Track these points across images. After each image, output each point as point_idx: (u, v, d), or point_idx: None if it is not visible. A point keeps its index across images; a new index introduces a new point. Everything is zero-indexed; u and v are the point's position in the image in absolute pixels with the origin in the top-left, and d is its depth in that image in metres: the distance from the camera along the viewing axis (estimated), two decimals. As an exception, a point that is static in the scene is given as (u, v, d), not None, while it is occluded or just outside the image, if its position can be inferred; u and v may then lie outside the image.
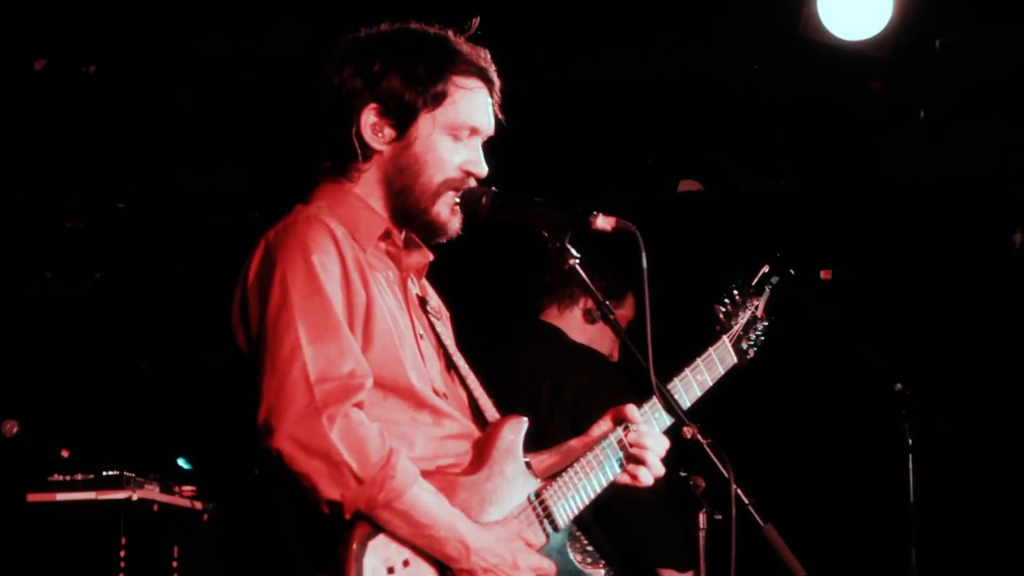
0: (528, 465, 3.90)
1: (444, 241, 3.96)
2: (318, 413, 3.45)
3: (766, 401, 8.23)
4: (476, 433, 3.90)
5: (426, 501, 3.55)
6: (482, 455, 3.81)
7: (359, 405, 3.55)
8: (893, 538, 7.49)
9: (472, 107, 3.89)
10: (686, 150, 8.26)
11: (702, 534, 3.88)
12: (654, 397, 4.05)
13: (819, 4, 6.68)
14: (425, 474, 3.62)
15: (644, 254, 3.74)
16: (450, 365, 4.02)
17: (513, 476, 3.83)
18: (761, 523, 3.77)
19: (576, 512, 3.92)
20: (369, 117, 3.83)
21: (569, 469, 3.95)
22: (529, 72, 7.21)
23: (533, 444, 4.07)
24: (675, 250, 7.91)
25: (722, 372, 4.31)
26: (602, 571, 4.03)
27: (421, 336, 3.92)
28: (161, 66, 7.53)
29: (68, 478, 7.92)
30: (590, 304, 6.31)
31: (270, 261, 3.65)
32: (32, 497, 7.95)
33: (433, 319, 4.03)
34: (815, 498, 8.37)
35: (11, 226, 9.36)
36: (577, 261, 3.83)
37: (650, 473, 4.02)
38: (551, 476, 3.93)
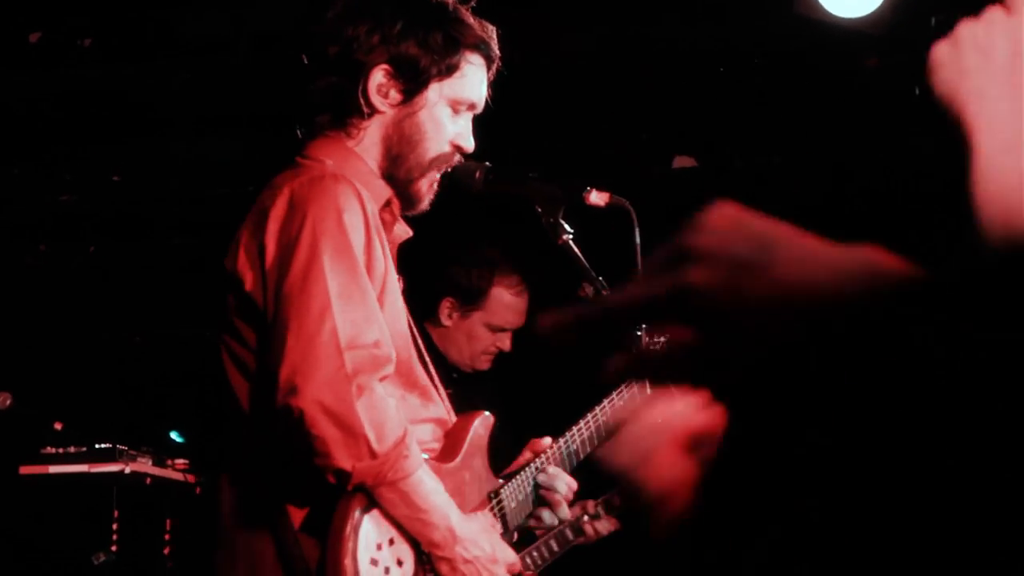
0: (488, 461, 3.94)
1: (413, 214, 3.93)
2: (347, 380, 3.38)
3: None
4: (449, 421, 3.91)
5: (427, 486, 3.54)
6: (455, 446, 3.83)
7: (384, 379, 3.53)
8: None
9: (475, 82, 3.90)
10: (681, 126, 8.25)
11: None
12: (566, 435, 4.18)
13: (814, -19, 6.67)
14: None
15: (637, 230, 3.74)
16: (419, 352, 4.00)
17: (478, 472, 3.88)
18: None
19: (519, 521, 3.99)
20: (378, 76, 3.79)
21: (517, 479, 4.01)
22: (522, 45, 7.20)
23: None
24: (670, 227, 7.94)
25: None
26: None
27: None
28: (156, 39, 7.51)
29: (61, 451, 7.91)
30: (447, 313, 6.28)
31: (299, 212, 3.56)
32: (25, 469, 7.95)
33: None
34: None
35: (4, 198, 9.35)
36: (570, 236, 3.83)
37: (556, 518, 4.10)
38: (506, 475, 3.99)
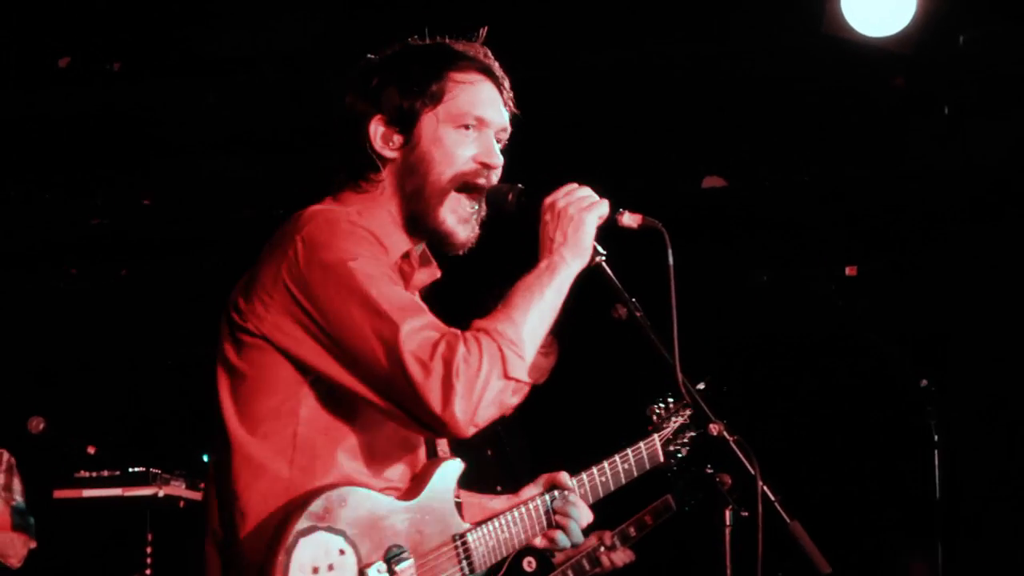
0: (459, 506, 3.95)
1: (458, 253, 3.93)
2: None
3: (791, 398, 8.24)
4: (419, 464, 3.96)
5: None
6: (418, 487, 3.86)
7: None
8: (919, 534, 7.49)
9: (475, 98, 3.90)
10: (710, 145, 8.26)
11: (728, 531, 3.89)
12: (583, 474, 4.23)
13: (842, 1, 6.67)
14: (361, 487, 3.67)
15: (670, 251, 3.74)
16: None
17: (441, 514, 3.89)
18: (787, 520, 3.78)
19: (494, 560, 3.99)
20: (378, 128, 3.86)
21: (496, 520, 4.04)
22: (552, 62, 7.22)
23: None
24: (700, 247, 7.95)
25: (647, 468, 4.36)
26: None
27: None
28: (184, 61, 7.56)
29: (95, 474, 7.96)
30: None
31: (317, 250, 3.61)
32: (59, 493, 7.99)
33: None
34: (841, 495, 8.37)
35: (36, 222, 9.40)
36: (603, 258, 3.83)
37: (568, 541, 4.13)
38: (478, 522, 4.00)
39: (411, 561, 3.75)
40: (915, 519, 7.71)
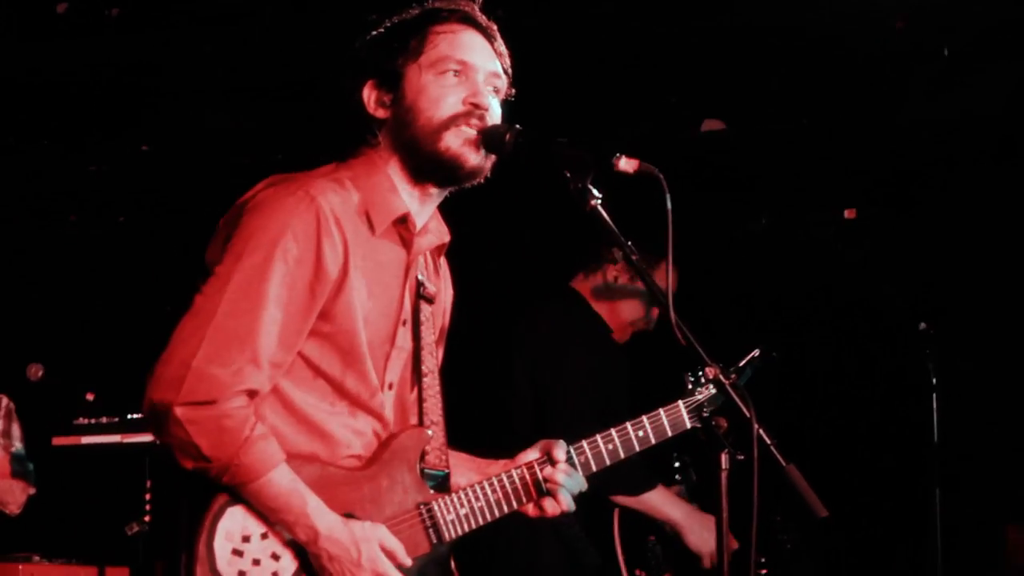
0: (423, 474, 3.98)
1: (474, 182, 3.96)
2: (183, 397, 3.63)
3: (789, 342, 8.23)
4: (388, 429, 3.99)
5: (278, 488, 3.67)
6: (377, 456, 3.91)
7: (255, 395, 3.70)
8: (917, 478, 7.50)
9: (456, 44, 3.94)
10: (709, 90, 8.23)
11: (724, 474, 3.87)
12: (584, 442, 4.17)
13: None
14: (307, 461, 3.77)
15: (668, 197, 3.72)
16: (416, 359, 4.08)
17: (401, 481, 3.93)
18: (783, 463, 3.78)
19: (465, 529, 4.00)
20: (370, 93, 3.96)
21: (473, 489, 4.04)
22: (547, 8, 7.18)
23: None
24: (699, 195, 7.93)
25: (669, 435, 4.29)
26: None
27: (403, 322, 3.99)
28: (182, 7, 7.52)
29: (93, 421, 7.96)
30: (612, 274, 6.40)
31: (241, 227, 3.78)
32: (57, 441, 8.00)
33: (424, 305, 4.07)
34: (838, 438, 8.38)
35: (35, 170, 9.37)
36: (599, 202, 3.81)
37: (558, 508, 4.13)
38: (453, 489, 4.03)
39: None
40: (912, 463, 7.72)
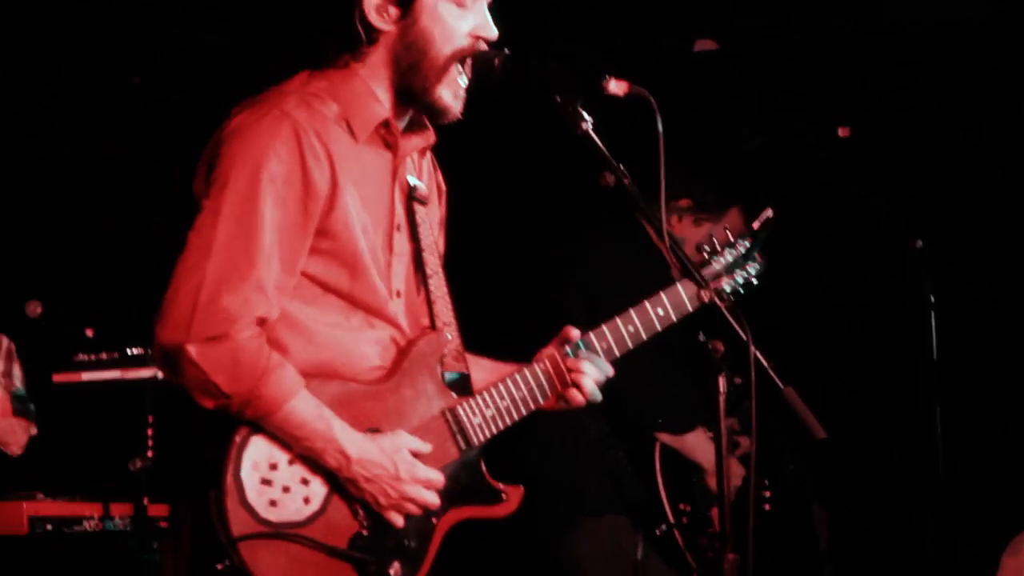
0: (443, 378, 3.94)
1: (446, 123, 3.93)
2: (195, 334, 3.60)
3: (784, 263, 8.21)
4: (406, 336, 3.95)
5: (301, 416, 3.65)
6: (396, 366, 3.87)
7: (263, 321, 3.67)
8: (916, 397, 7.51)
9: None
10: (700, 7, 8.17)
11: (722, 398, 3.87)
12: (604, 326, 4.07)
13: None
14: (326, 380, 3.74)
15: (659, 118, 3.71)
16: (418, 263, 4.03)
17: (424, 389, 3.88)
18: (781, 386, 3.77)
19: (492, 431, 3.96)
20: (373, 0, 3.83)
21: (496, 388, 3.99)
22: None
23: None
24: (691, 114, 7.89)
25: (689, 310, 4.16)
26: (520, 488, 4.05)
27: (398, 228, 3.94)
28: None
29: (93, 357, 7.95)
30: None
31: (225, 155, 3.73)
32: (57, 377, 7.99)
33: (418, 207, 4.02)
34: (836, 359, 8.37)
35: (21, 95, 9.32)
36: (589, 125, 3.80)
37: (583, 398, 4.04)
38: (477, 391, 3.98)
39: None
40: (911, 382, 7.72)
